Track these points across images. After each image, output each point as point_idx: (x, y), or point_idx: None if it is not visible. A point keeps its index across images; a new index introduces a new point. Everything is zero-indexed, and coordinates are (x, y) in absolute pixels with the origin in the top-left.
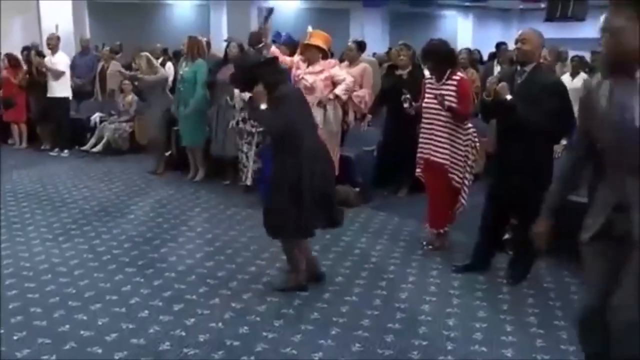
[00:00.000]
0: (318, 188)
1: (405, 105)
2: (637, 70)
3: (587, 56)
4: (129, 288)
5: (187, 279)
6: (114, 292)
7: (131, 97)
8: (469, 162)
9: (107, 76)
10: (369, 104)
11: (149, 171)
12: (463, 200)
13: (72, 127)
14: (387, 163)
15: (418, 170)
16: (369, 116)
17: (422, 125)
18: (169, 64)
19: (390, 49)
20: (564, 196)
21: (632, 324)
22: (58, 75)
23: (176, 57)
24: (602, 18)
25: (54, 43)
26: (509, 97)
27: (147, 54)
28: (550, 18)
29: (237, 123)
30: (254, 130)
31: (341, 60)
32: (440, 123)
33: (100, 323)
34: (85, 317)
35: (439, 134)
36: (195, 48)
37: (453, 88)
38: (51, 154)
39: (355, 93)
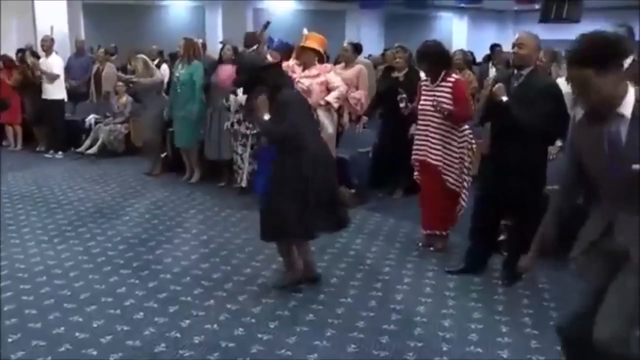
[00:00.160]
0: (322, 191)
1: (402, 105)
2: (613, 111)
3: None
4: (124, 290)
5: (182, 280)
6: (109, 293)
7: (125, 98)
8: (466, 164)
9: (102, 78)
10: (364, 106)
11: (144, 173)
12: (463, 202)
13: (67, 128)
14: (382, 164)
15: (416, 173)
16: (365, 118)
17: (418, 127)
18: (165, 66)
19: (385, 50)
20: (559, 226)
21: (615, 340)
22: (52, 78)
23: (172, 59)
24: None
25: (48, 45)
26: (504, 98)
27: (144, 56)
28: (544, 19)
29: (232, 125)
30: (248, 132)
31: (337, 62)
32: (435, 125)
33: (95, 325)
34: (80, 319)
35: (434, 135)
36: (192, 50)
37: (448, 90)
38: (46, 155)
39: (351, 95)
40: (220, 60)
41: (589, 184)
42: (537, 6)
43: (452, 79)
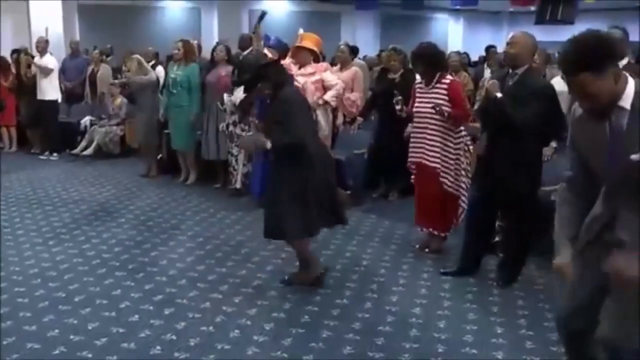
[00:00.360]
0: (322, 191)
1: (398, 107)
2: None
3: None
4: (119, 292)
5: (177, 282)
6: (104, 296)
7: (120, 100)
8: (463, 166)
9: (97, 79)
10: (359, 108)
11: (140, 174)
12: (464, 205)
13: (63, 130)
14: (378, 166)
15: (413, 177)
16: (360, 119)
17: (413, 129)
18: (160, 68)
19: (381, 51)
20: (572, 223)
21: (620, 338)
22: (47, 72)
23: (169, 61)
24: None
25: (42, 46)
26: (499, 94)
27: (138, 56)
28: (540, 21)
29: (227, 126)
30: (244, 133)
31: (333, 64)
32: (431, 127)
33: (90, 327)
34: (75, 322)
35: (431, 137)
36: (190, 52)
37: (444, 92)
38: (41, 157)
39: (346, 96)
40: (213, 61)
41: (593, 180)
42: (532, 8)
43: (447, 81)
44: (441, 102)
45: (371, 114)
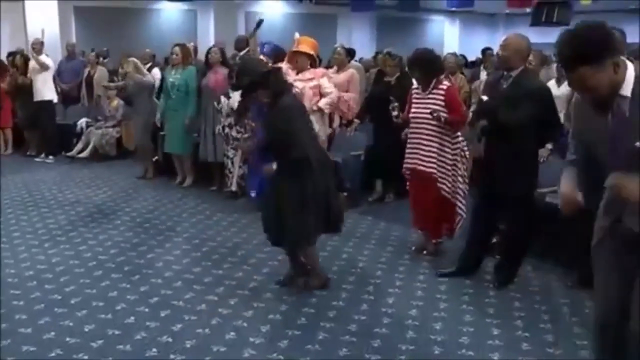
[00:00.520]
0: (321, 195)
1: (394, 113)
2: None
3: None
4: (115, 294)
5: (173, 284)
6: (100, 298)
7: (117, 102)
8: (460, 172)
9: (93, 82)
10: (353, 108)
11: (137, 176)
12: (462, 212)
13: (59, 132)
14: (374, 168)
15: (408, 183)
16: (357, 121)
17: (409, 135)
18: (156, 70)
19: (377, 53)
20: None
21: None
22: (45, 68)
23: (165, 63)
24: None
25: (38, 48)
26: (484, 97)
27: (134, 59)
28: (536, 23)
29: (223, 129)
30: (240, 136)
31: (329, 66)
32: (428, 132)
33: (86, 329)
34: (71, 324)
35: (427, 143)
36: (187, 55)
37: (441, 97)
38: (37, 159)
39: (340, 94)
40: (207, 63)
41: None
42: (528, 10)
43: (444, 87)
44: (438, 107)
45: (367, 116)
